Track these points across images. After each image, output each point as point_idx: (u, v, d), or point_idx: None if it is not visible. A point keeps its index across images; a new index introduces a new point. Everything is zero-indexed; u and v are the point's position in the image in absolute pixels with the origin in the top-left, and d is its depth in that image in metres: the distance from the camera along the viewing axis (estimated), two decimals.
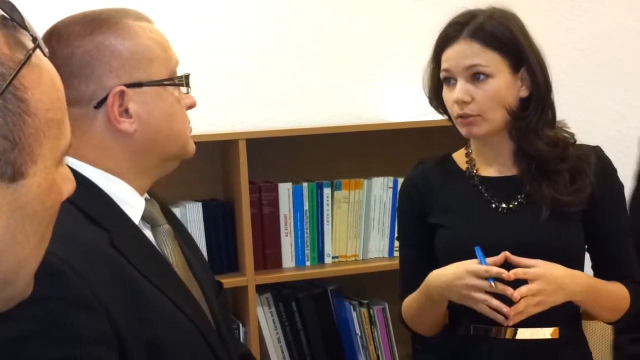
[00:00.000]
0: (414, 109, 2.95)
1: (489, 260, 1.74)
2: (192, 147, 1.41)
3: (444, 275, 1.79)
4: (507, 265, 1.74)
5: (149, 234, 1.36)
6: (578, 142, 1.90)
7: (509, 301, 1.70)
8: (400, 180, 2.66)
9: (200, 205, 2.71)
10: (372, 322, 2.87)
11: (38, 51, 0.76)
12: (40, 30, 0.94)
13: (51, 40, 1.27)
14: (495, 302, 1.71)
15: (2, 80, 0.72)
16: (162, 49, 1.34)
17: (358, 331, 2.86)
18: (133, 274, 1.22)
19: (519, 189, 1.87)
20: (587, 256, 1.93)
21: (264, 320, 2.74)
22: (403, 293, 1.97)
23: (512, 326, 1.78)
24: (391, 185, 2.88)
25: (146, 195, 1.38)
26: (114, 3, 1.42)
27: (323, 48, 3.00)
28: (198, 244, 1.61)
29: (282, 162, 2.90)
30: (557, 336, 1.82)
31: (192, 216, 2.69)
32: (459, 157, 1.97)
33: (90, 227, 1.24)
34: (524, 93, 1.84)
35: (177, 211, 2.58)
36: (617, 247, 1.89)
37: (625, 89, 3.32)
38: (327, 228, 2.83)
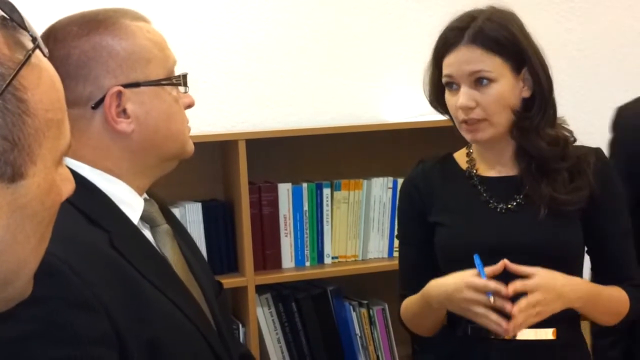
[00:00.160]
0: (414, 109, 2.96)
1: (488, 269, 1.74)
2: (191, 147, 1.41)
3: (443, 285, 1.79)
4: (507, 273, 1.75)
5: (148, 234, 1.36)
6: (578, 143, 1.90)
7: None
8: (400, 181, 2.67)
9: (199, 205, 2.71)
10: (371, 322, 2.87)
11: (37, 51, 0.76)
12: (40, 31, 0.94)
13: (48, 40, 1.27)
14: (494, 317, 1.71)
15: (2, 80, 0.72)
16: (159, 48, 1.34)
17: (357, 331, 2.86)
18: (132, 274, 1.22)
19: (518, 189, 1.87)
20: (587, 256, 1.93)
21: (264, 320, 2.74)
22: (403, 291, 1.98)
23: None
24: (391, 185, 2.88)
25: (145, 195, 1.38)
26: (114, 3, 1.42)
27: (323, 48, 3.00)
28: (197, 244, 1.61)
29: (281, 162, 2.90)
30: (555, 337, 1.82)
31: (191, 216, 2.69)
32: (460, 157, 1.97)
33: (90, 227, 1.24)
34: (526, 93, 1.84)
35: (176, 211, 2.58)
36: (616, 248, 1.89)
37: (625, 89, 3.30)
38: (327, 228, 2.83)
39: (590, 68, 3.29)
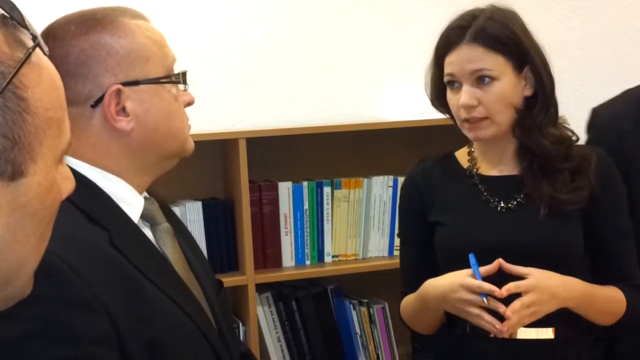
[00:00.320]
0: (414, 108, 2.95)
1: (483, 269, 1.75)
2: (191, 145, 1.40)
3: (439, 285, 1.80)
4: (503, 272, 1.75)
5: (148, 232, 1.36)
6: (579, 141, 1.90)
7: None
8: (400, 179, 2.67)
9: (200, 204, 2.71)
10: (371, 321, 2.87)
11: (38, 50, 0.76)
12: (40, 29, 0.94)
13: (47, 39, 1.25)
14: (488, 318, 1.72)
15: (2, 78, 0.72)
16: (158, 46, 1.33)
17: (358, 330, 2.86)
18: (133, 273, 1.22)
19: (518, 188, 1.87)
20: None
21: (264, 319, 2.74)
22: (404, 289, 1.99)
23: None
24: (391, 184, 2.88)
25: (145, 194, 1.38)
26: (113, 2, 1.42)
27: (323, 47, 3.00)
28: (198, 243, 1.61)
29: (282, 160, 2.90)
30: (554, 335, 1.82)
31: (191, 215, 2.69)
32: (461, 156, 1.97)
33: (90, 226, 1.23)
34: (528, 92, 1.84)
35: (176, 210, 2.58)
36: (616, 248, 1.89)
37: (625, 88, 3.31)
38: (327, 227, 2.83)
39: (591, 67, 3.28)
